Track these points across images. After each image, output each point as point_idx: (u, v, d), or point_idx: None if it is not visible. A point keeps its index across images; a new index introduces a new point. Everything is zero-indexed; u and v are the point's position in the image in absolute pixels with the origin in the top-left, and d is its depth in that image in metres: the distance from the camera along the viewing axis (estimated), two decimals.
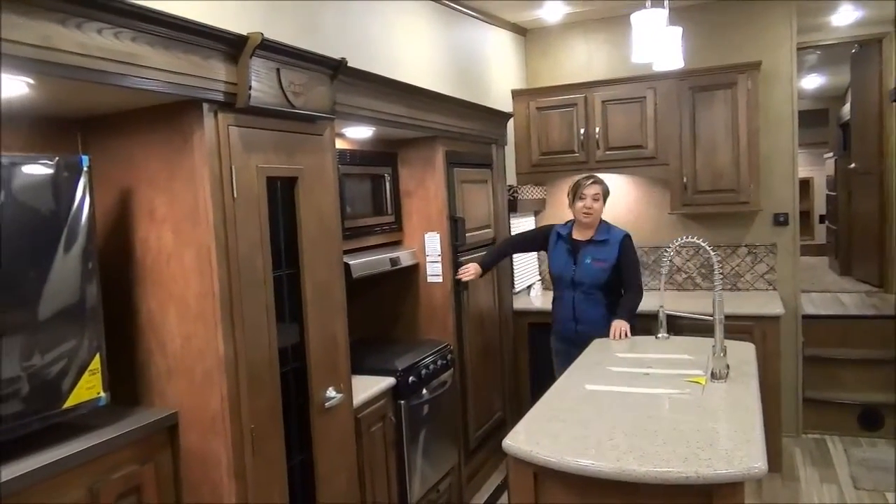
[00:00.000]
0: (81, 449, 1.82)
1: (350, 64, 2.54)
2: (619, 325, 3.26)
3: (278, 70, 2.17)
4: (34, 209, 1.80)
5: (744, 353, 2.85)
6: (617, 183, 4.95)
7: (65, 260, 1.87)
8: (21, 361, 1.75)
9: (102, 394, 1.97)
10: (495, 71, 4.78)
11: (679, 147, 4.41)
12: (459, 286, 3.64)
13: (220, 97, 2.00)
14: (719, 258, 2.64)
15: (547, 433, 2.06)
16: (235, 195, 2.06)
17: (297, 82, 2.26)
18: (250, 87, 2.04)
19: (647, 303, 4.00)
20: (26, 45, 1.48)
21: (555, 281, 3.63)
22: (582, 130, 4.66)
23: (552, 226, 3.74)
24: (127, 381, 2.18)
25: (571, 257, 3.52)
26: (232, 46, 2.00)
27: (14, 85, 1.61)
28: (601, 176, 4.85)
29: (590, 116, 4.64)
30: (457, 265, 3.62)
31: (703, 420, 2.11)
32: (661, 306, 2.78)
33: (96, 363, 1.95)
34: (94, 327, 1.95)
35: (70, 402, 1.89)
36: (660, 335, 2.89)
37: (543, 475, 1.95)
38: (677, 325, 3.80)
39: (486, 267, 3.71)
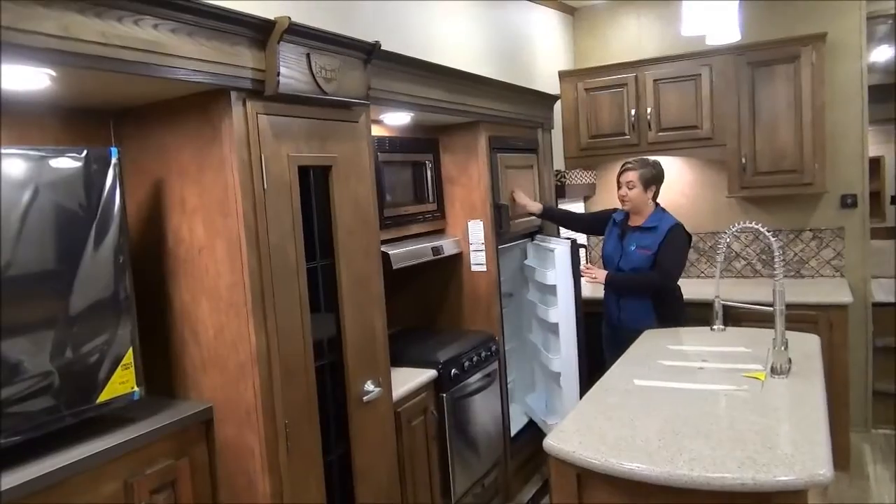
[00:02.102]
0: (116, 443, 1.81)
1: (386, 47, 2.46)
2: (597, 275, 3.42)
3: (308, 55, 2.10)
4: (64, 203, 1.79)
5: (807, 346, 2.67)
6: (670, 166, 4.75)
7: (96, 253, 1.85)
8: (54, 356, 1.74)
9: (136, 388, 1.96)
10: (541, 52, 4.63)
11: (737, 126, 4.18)
12: (501, 228, 3.52)
13: (249, 85, 1.95)
14: (781, 244, 2.46)
15: (592, 432, 1.95)
16: (266, 185, 2.00)
17: (329, 67, 2.18)
18: (279, 74, 1.98)
19: (702, 291, 3.83)
20: (45, 35, 1.45)
21: (605, 266, 3.60)
22: (633, 111, 4.47)
23: (615, 209, 3.67)
24: (162, 373, 2.17)
25: (619, 243, 3.48)
26: (259, 32, 1.94)
27: (36, 77, 1.58)
28: (654, 158, 4.72)
29: (641, 96, 4.45)
30: (497, 208, 3.49)
31: (762, 419, 1.96)
32: (717, 296, 2.62)
33: (129, 357, 1.94)
34: (126, 321, 1.93)
35: (104, 397, 1.87)
36: (715, 327, 2.73)
37: (587, 477, 1.84)
38: (734, 316, 3.62)
39: (548, 214, 3.77)
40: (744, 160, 4.17)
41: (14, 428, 1.66)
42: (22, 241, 1.68)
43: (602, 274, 3.42)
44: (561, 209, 4.02)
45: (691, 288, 4.31)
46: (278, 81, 1.98)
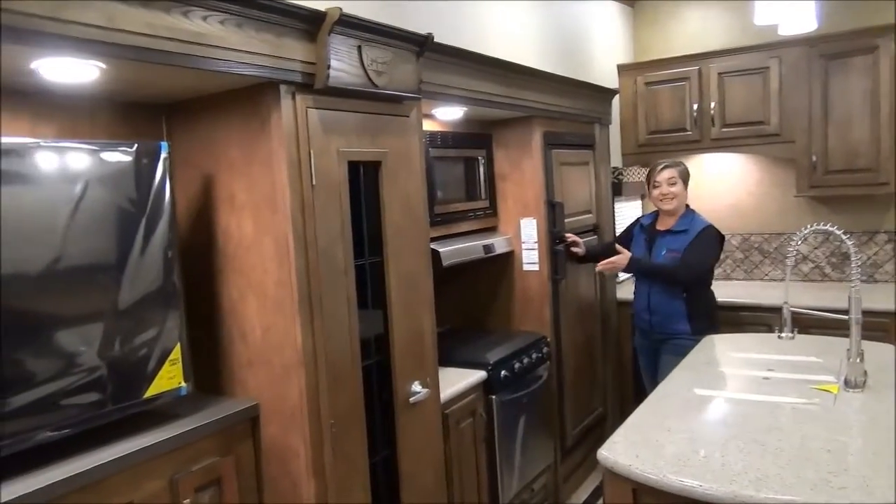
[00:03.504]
0: (162, 439, 1.80)
1: (439, 40, 2.39)
2: (619, 259, 3.24)
3: (359, 47, 2.04)
4: (114, 196, 1.78)
5: (882, 356, 2.49)
6: (735, 163, 4.57)
7: (145, 247, 1.84)
8: (102, 350, 1.74)
9: (183, 384, 1.95)
10: (600, 45, 4.48)
11: (808, 122, 3.96)
12: (557, 275, 3.43)
13: (298, 78, 1.91)
14: (854, 247, 2.29)
15: (649, 444, 1.85)
16: (314, 181, 1.96)
17: (380, 60, 2.13)
18: (329, 67, 1.93)
19: (766, 295, 3.65)
20: (90, 26, 1.43)
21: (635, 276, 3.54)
22: (695, 106, 4.29)
23: (638, 219, 3.58)
24: (210, 370, 2.15)
25: (648, 248, 3.35)
26: (309, 23, 1.90)
27: (84, 69, 1.56)
28: (716, 156, 4.53)
29: (704, 90, 4.27)
30: (554, 253, 3.40)
31: (835, 437, 1.82)
32: (786, 301, 2.46)
33: (177, 353, 1.93)
34: (174, 316, 1.92)
35: (151, 392, 1.87)
36: (783, 334, 2.57)
37: (643, 492, 1.73)
38: (802, 322, 3.42)
39: (591, 254, 3.55)
40: (814, 158, 3.95)
41: (62, 422, 1.66)
42: (72, 234, 1.68)
43: (622, 257, 3.25)
44: (599, 245, 3.73)
45: (753, 291, 4.14)
46: (328, 74, 1.94)
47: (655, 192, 3.30)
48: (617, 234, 3.86)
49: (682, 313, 3.17)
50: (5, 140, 1.63)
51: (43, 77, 1.59)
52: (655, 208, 3.43)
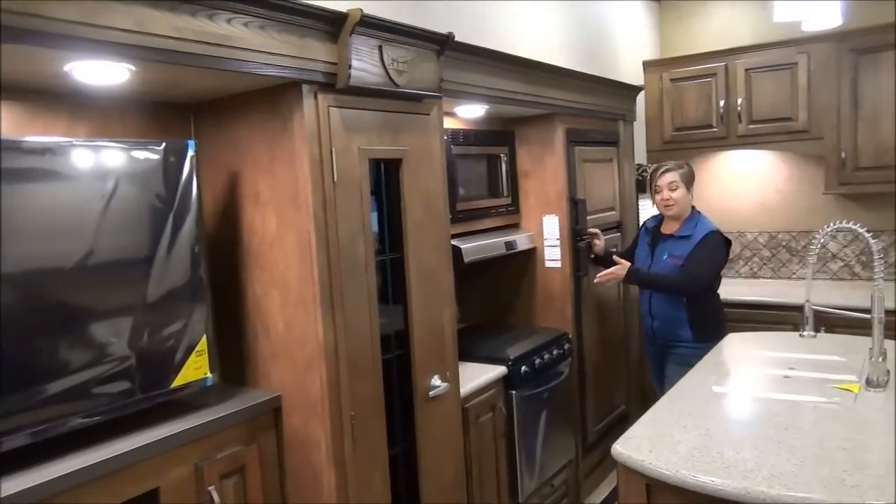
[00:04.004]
0: (188, 427, 1.86)
1: (461, 38, 2.42)
2: (616, 270, 3.12)
3: (380, 47, 2.08)
4: (143, 193, 1.85)
5: None
6: (762, 160, 4.52)
7: (172, 243, 1.91)
8: (131, 341, 1.81)
9: (209, 374, 2.01)
10: (625, 42, 4.47)
11: (836, 118, 3.90)
12: (579, 271, 3.44)
13: (320, 78, 1.95)
14: (882, 245, 2.26)
15: (663, 440, 1.86)
16: (335, 178, 2.01)
17: (401, 59, 2.17)
18: (350, 66, 1.98)
19: (794, 294, 3.62)
20: (121, 30, 1.49)
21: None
22: (722, 102, 4.26)
23: (644, 222, 3.46)
24: (235, 362, 2.22)
25: (650, 251, 3.23)
26: (330, 24, 1.94)
27: (115, 71, 1.63)
28: (743, 153, 4.49)
29: (731, 87, 4.23)
30: (576, 249, 3.41)
31: (854, 436, 1.81)
32: (808, 300, 2.44)
33: (203, 344, 1.99)
34: (201, 309, 1.99)
35: (178, 382, 1.93)
36: (805, 333, 2.55)
37: (657, 488, 1.75)
38: (830, 322, 3.39)
39: (605, 255, 3.42)
40: (843, 154, 3.89)
41: (94, 409, 1.74)
42: (103, 230, 1.75)
43: (620, 268, 3.11)
44: (617, 250, 3.58)
45: (780, 289, 4.10)
46: (349, 74, 1.98)
47: (657, 198, 3.19)
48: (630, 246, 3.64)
49: (683, 320, 3.07)
50: (43, 139, 1.70)
51: (77, 79, 1.66)
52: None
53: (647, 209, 4.49)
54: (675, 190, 3.11)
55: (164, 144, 1.90)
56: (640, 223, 3.58)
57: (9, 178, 1.58)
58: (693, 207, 3.20)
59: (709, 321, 3.08)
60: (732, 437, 1.86)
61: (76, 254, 1.70)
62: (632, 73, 4.41)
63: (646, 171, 4.41)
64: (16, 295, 1.59)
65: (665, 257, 3.13)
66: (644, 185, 4.36)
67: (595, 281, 3.20)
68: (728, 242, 3.14)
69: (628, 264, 3.11)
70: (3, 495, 1.47)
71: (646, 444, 1.84)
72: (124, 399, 1.80)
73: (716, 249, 3.05)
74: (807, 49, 3.96)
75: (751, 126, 4.19)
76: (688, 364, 2.63)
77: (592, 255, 3.44)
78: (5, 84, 1.72)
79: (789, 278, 4.50)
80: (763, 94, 4.12)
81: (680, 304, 3.07)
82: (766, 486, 1.55)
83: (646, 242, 3.26)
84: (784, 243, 4.51)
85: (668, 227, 3.19)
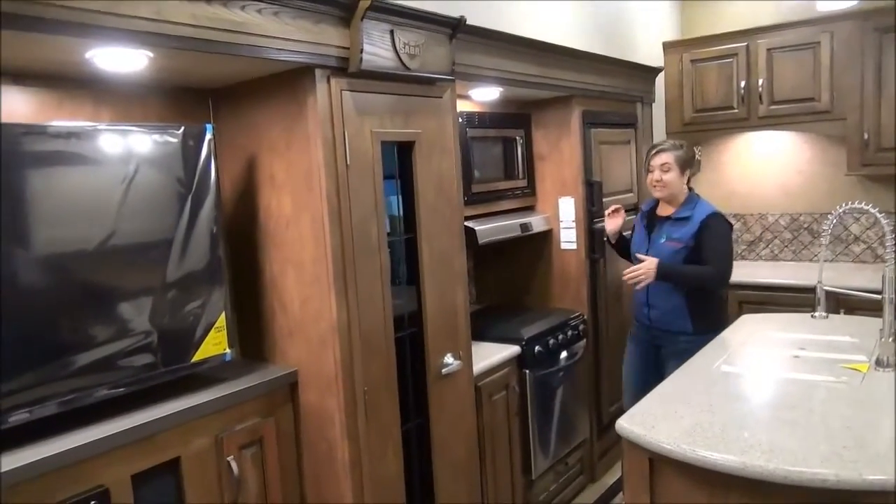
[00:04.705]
0: (208, 400, 1.95)
1: (473, 21, 2.45)
2: (645, 267, 2.75)
3: (392, 31, 2.12)
4: (162, 176, 1.92)
5: None
6: (784, 142, 4.48)
7: (192, 224, 1.99)
8: (153, 318, 1.90)
9: (228, 350, 2.09)
10: (644, 22, 4.44)
11: (860, 98, 3.84)
12: (595, 254, 3.46)
13: (333, 62, 2.00)
14: (889, 225, 2.25)
15: (668, 417, 1.90)
16: (348, 161, 2.06)
17: (413, 43, 2.20)
18: (362, 51, 2.02)
19: (813, 277, 3.59)
20: (140, 18, 1.55)
21: (633, 261, 3.05)
22: (743, 83, 4.21)
23: (642, 205, 3.21)
24: (254, 339, 2.30)
25: (647, 235, 2.99)
26: (343, 10, 1.99)
27: (135, 58, 1.69)
28: (765, 134, 4.44)
29: (752, 67, 4.18)
30: (592, 232, 3.42)
31: (858, 414, 1.83)
32: (819, 281, 2.44)
33: (222, 321, 2.07)
34: (219, 287, 2.07)
35: (198, 357, 2.02)
36: (816, 314, 2.55)
37: (660, 462, 1.79)
38: (847, 304, 3.38)
39: (621, 243, 3.23)
40: (866, 135, 3.84)
41: (119, 381, 1.83)
42: (125, 211, 1.83)
43: (650, 264, 2.76)
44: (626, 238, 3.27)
45: (801, 272, 4.07)
46: (361, 59, 2.02)
47: (649, 178, 2.95)
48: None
49: (683, 310, 2.84)
50: (68, 124, 1.79)
51: (99, 66, 1.73)
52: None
53: None
54: (667, 172, 2.87)
55: (183, 129, 1.97)
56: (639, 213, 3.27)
57: (37, 161, 1.67)
58: (691, 190, 2.97)
59: (710, 312, 2.90)
60: (736, 414, 1.89)
61: (100, 235, 1.78)
62: (651, 55, 4.38)
63: None
64: (44, 273, 1.68)
65: (662, 241, 2.88)
66: None
67: (624, 278, 2.86)
68: (731, 225, 2.97)
69: (656, 260, 2.78)
70: (33, 460, 1.57)
71: (649, 419, 1.88)
72: (147, 372, 1.89)
73: (727, 236, 2.89)
74: (830, 28, 3.90)
75: (772, 107, 4.14)
76: (685, 359, 2.45)
77: (605, 238, 3.27)
78: (32, 72, 1.81)
79: (811, 261, 4.46)
80: (785, 75, 4.07)
81: (679, 293, 2.85)
82: (764, 460, 1.59)
83: (643, 227, 3.04)
84: (806, 225, 4.47)
85: (665, 210, 2.97)
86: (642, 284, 2.80)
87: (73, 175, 1.74)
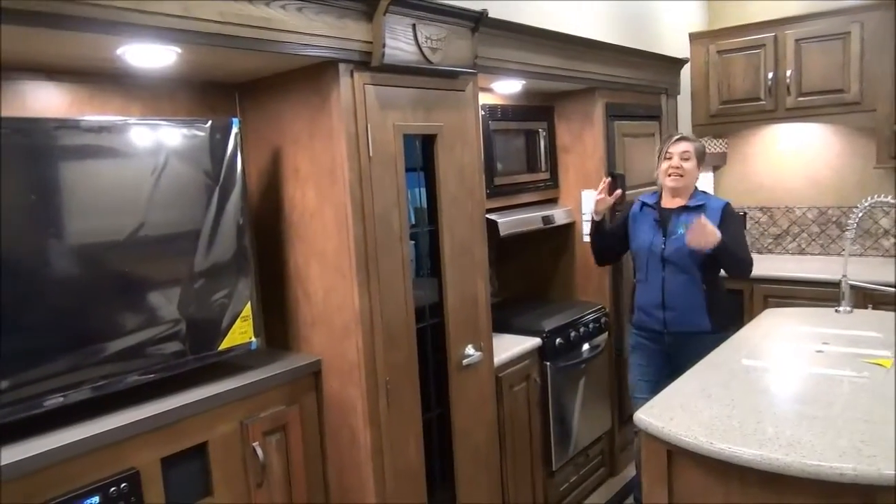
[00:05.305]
0: (234, 387, 2.00)
1: (495, 14, 2.46)
2: (712, 229, 2.54)
3: (414, 26, 2.15)
4: (190, 169, 1.97)
5: None
6: (812, 134, 4.41)
7: (218, 216, 2.04)
8: (181, 307, 1.95)
9: (254, 339, 2.14)
10: (669, 13, 4.40)
11: (891, 89, 3.77)
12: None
13: (356, 57, 2.03)
14: None
15: (687, 409, 1.90)
16: (371, 154, 2.09)
17: (435, 37, 2.22)
18: (384, 45, 2.05)
19: (832, 270, 3.56)
20: (168, 15, 1.59)
21: (638, 260, 2.90)
22: (770, 74, 4.15)
23: (632, 202, 3.03)
24: (279, 328, 2.35)
25: (660, 228, 2.79)
26: (365, 4, 2.01)
27: (163, 54, 1.74)
28: (792, 126, 4.38)
29: (780, 58, 4.12)
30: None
31: (879, 410, 1.82)
32: (844, 275, 2.42)
33: (247, 310, 2.12)
34: (245, 278, 2.11)
35: (224, 345, 2.07)
36: (841, 308, 2.53)
37: (678, 455, 1.80)
38: (874, 298, 3.33)
39: (601, 226, 3.02)
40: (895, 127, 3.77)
41: (148, 367, 1.89)
42: (154, 203, 1.88)
43: (713, 229, 2.56)
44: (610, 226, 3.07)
45: (828, 266, 4.02)
46: (384, 53, 2.05)
47: (665, 166, 2.79)
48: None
49: (702, 307, 2.71)
50: (99, 118, 1.84)
51: (129, 62, 1.78)
52: (658, 187, 2.94)
53: None
54: (687, 160, 2.76)
55: (210, 122, 2.02)
56: (630, 206, 3.04)
57: (70, 154, 1.72)
58: (696, 186, 2.85)
59: (724, 306, 2.80)
60: (756, 407, 1.88)
61: (130, 226, 1.83)
62: (677, 46, 4.33)
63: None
64: (77, 263, 1.74)
65: (682, 231, 2.71)
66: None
67: (688, 243, 2.62)
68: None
69: (717, 231, 2.57)
70: (67, 443, 1.63)
71: (668, 412, 1.89)
72: (176, 359, 1.95)
73: (741, 224, 2.81)
74: (860, 18, 3.83)
75: (800, 98, 4.08)
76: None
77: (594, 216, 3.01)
78: (65, 68, 1.87)
79: (839, 255, 4.39)
80: (813, 66, 4.01)
81: (698, 290, 2.72)
82: (782, 453, 1.59)
83: (651, 219, 2.84)
84: (834, 219, 4.40)
85: (672, 202, 2.82)
86: (707, 246, 2.57)
87: (105, 168, 1.80)
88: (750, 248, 4.63)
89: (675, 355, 2.75)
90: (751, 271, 2.78)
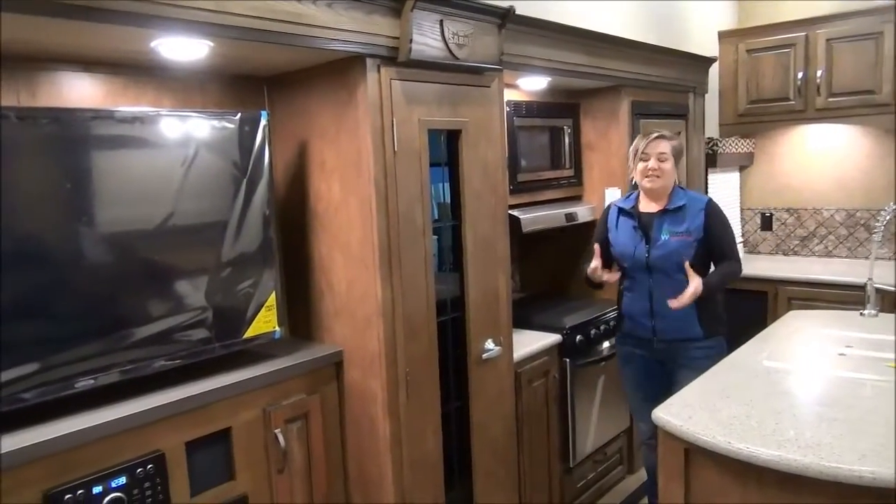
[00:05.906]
0: (257, 375, 2.04)
1: (522, 11, 2.47)
2: (696, 288, 2.45)
3: (441, 21, 2.16)
4: (219, 160, 2.01)
5: None
6: (842, 135, 4.35)
7: (245, 207, 2.08)
8: (208, 295, 2.00)
9: (277, 328, 2.19)
10: (699, 12, 4.36)
11: None
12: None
13: (384, 52, 2.06)
14: None
15: (706, 408, 1.90)
16: (396, 148, 2.12)
17: (462, 33, 2.24)
18: (411, 41, 2.07)
19: (858, 273, 3.51)
20: (202, 10, 1.63)
21: (623, 268, 2.73)
22: (800, 74, 4.11)
23: (609, 206, 2.85)
24: (303, 318, 2.39)
25: (642, 234, 2.63)
26: (394, 0, 2.03)
27: (196, 47, 1.78)
28: (822, 127, 4.33)
29: (811, 58, 4.07)
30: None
31: None
32: (870, 278, 2.39)
33: (272, 300, 2.16)
34: (270, 268, 2.15)
35: (249, 333, 2.12)
36: (866, 311, 2.51)
37: (695, 453, 1.81)
38: None
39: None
40: None
41: (175, 353, 1.93)
42: (184, 193, 1.92)
43: (699, 283, 2.47)
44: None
45: (856, 269, 3.97)
46: (411, 48, 2.07)
47: (641, 167, 2.61)
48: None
49: (692, 315, 2.57)
50: (133, 110, 1.89)
51: (162, 55, 1.82)
52: (634, 187, 2.77)
53: (715, 183, 4.42)
54: (665, 162, 2.59)
55: (239, 115, 2.06)
56: (604, 210, 2.90)
57: (104, 144, 1.77)
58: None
59: (716, 312, 2.67)
60: (775, 408, 1.88)
61: (160, 215, 1.88)
62: (706, 44, 4.30)
63: (716, 145, 4.33)
64: (108, 250, 1.79)
65: (666, 237, 2.58)
66: (714, 159, 4.30)
67: (676, 306, 2.49)
68: None
69: (699, 279, 2.50)
70: (96, 424, 1.68)
71: (687, 410, 1.89)
72: (202, 346, 2.00)
73: (728, 221, 2.66)
74: (893, 18, 3.77)
75: (830, 99, 4.04)
76: (700, 369, 2.28)
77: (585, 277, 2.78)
78: (100, 59, 1.92)
79: (866, 258, 4.33)
80: (844, 66, 3.95)
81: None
82: (800, 454, 1.59)
83: (630, 226, 2.67)
84: (862, 222, 4.34)
85: (650, 206, 2.66)
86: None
87: (137, 158, 1.85)
88: (775, 250, 4.64)
89: (666, 361, 2.67)
90: (740, 273, 2.67)
